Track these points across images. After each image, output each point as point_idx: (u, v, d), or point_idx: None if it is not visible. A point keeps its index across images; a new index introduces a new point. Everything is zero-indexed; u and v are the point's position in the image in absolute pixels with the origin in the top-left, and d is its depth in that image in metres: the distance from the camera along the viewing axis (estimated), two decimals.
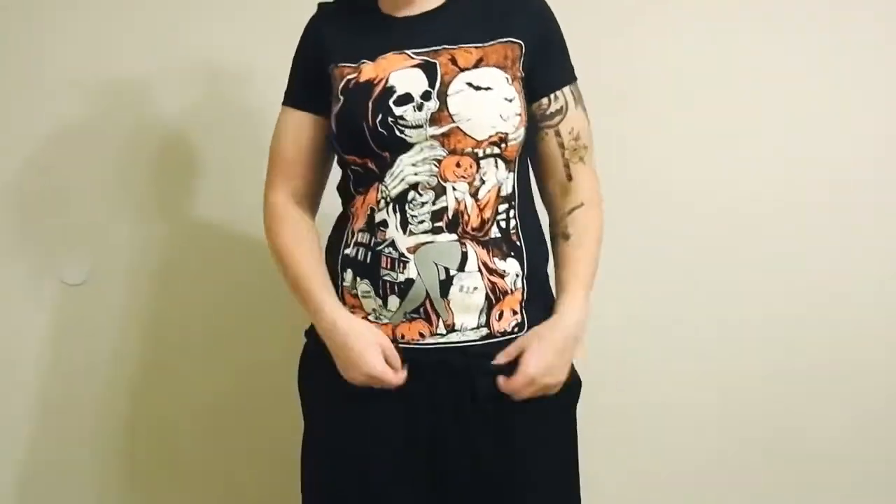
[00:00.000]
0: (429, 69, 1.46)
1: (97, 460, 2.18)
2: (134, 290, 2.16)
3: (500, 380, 1.45)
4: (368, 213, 1.49)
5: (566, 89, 1.54)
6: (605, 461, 2.11)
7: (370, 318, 1.48)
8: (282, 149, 1.58)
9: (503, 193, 1.49)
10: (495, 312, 1.47)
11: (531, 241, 1.52)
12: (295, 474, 1.60)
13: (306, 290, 1.50)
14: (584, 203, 1.53)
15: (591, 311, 1.53)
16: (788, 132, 2.11)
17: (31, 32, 2.10)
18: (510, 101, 1.47)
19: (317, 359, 1.57)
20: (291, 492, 1.64)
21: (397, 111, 1.45)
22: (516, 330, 1.48)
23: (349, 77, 1.49)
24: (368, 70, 1.48)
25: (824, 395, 2.15)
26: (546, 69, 1.52)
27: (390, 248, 1.46)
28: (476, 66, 1.47)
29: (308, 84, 1.56)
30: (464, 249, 1.45)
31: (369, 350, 1.44)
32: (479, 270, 1.46)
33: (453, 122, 1.44)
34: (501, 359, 1.46)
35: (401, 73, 1.47)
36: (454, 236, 1.46)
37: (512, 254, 1.49)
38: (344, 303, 1.50)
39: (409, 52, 1.48)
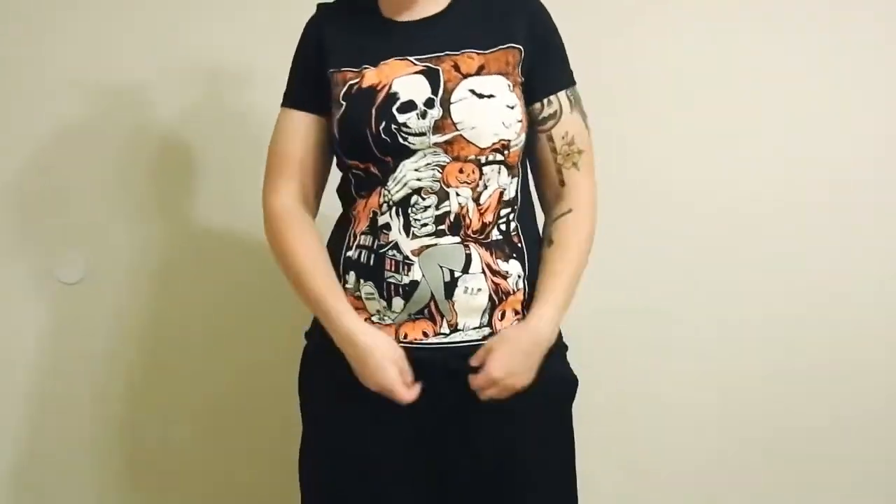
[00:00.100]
0: (431, 76, 1.46)
1: (95, 460, 2.18)
2: (131, 290, 2.16)
3: (470, 379, 1.45)
4: (371, 216, 1.49)
5: (561, 94, 1.53)
6: (603, 460, 2.12)
7: (374, 318, 1.49)
8: (283, 150, 1.57)
9: (506, 198, 1.50)
10: (497, 313, 1.48)
11: (532, 242, 1.53)
12: (295, 474, 1.60)
13: (318, 296, 1.48)
14: (573, 209, 1.53)
15: (564, 320, 1.53)
16: (788, 132, 2.11)
17: (31, 32, 2.09)
18: (512, 108, 1.47)
19: (317, 360, 1.58)
20: (291, 492, 1.65)
21: (401, 118, 1.45)
22: None
23: (351, 82, 1.49)
24: (371, 76, 1.48)
25: (824, 395, 2.15)
26: (542, 73, 1.52)
27: (394, 251, 1.46)
28: (478, 72, 1.47)
29: (308, 85, 1.55)
30: (467, 252, 1.46)
31: (384, 365, 1.44)
32: (483, 272, 1.46)
33: (457, 129, 1.45)
34: (474, 362, 1.46)
35: (404, 79, 1.47)
36: (457, 239, 1.46)
37: (514, 255, 1.50)
38: None
39: (411, 58, 1.48)
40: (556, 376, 1.55)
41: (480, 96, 1.45)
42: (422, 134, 1.44)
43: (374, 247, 1.48)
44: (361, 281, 1.48)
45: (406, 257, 1.45)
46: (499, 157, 1.47)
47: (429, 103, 1.45)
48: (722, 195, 2.12)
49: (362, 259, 1.49)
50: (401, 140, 1.45)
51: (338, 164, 1.59)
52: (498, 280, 1.47)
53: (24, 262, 2.13)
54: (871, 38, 2.09)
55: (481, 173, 1.47)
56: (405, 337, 1.48)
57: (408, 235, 1.46)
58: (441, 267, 1.45)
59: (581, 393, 1.58)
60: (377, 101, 1.46)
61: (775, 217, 2.12)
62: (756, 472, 2.18)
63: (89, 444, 2.17)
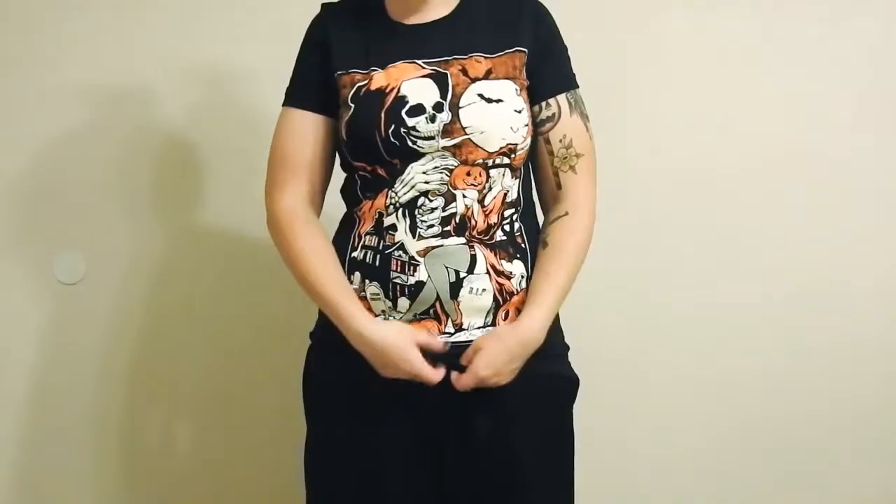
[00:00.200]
0: (440, 80, 1.47)
1: (95, 460, 2.17)
2: (131, 290, 2.15)
3: (453, 375, 1.46)
4: (376, 217, 1.50)
5: (561, 97, 1.54)
6: (603, 460, 2.12)
7: (380, 319, 1.49)
8: (286, 150, 1.56)
9: (509, 199, 1.51)
10: (501, 313, 1.49)
11: (535, 242, 1.54)
12: (296, 475, 1.60)
13: (329, 298, 1.48)
14: (569, 213, 1.53)
15: (564, 321, 1.55)
16: (787, 133, 2.13)
17: (32, 33, 2.08)
18: (519, 112, 1.49)
19: (321, 361, 1.59)
20: (292, 492, 1.66)
21: (410, 122, 1.45)
22: None
23: (359, 84, 1.49)
24: (379, 78, 1.48)
25: (825, 395, 2.16)
26: (542, 76, 1.53)
27: (400, 252, 1.47)
28: (486, 76, 1.48)
29: (313, 85, 1.55)
30: (472, 252, 1.47)
31: (405, 355, 1.43)
32: (488, 272, 1.47)
33: (466, 134, 1.46)
34: (463, 361, 1.46)
35: (412, 82, 1.47)
36: (462, 240, 1.47)
37: (518, 256, 1.51)
38: None
39: (419, 61, 1.48)
40: (557, 376, 1.56)
41: (489, 101, 1.46)
42: (431, 138, 1.45)
43: (380, 247, 1.48)
44: (367, 281, 1.49)
45: (412, 258, 1.46)
46: (505, 160, 1.48)
47: (438, 107, 1.45)
48: (723, 194, 2.13)
49: (368, 259, 1.49)
50: (410, 143, 1.45)
51: (342, 165, 1.59)
52: (502, 280, 1.48)
53: (24, 262, 2.12)
54: (872, 37, 2.12)
55: (488, 176, 1.48)
56: None
57: (414, 236, 1.47)
58: (446, 268, 1.46)
59: (581, 393, 1.59)
60: (386, 105, 1.46)
61: (776, 217, 2.13)
62: (756, 472, 2.19)
63: (89, 444, 2.17)
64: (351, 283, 1.51)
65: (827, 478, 2.19)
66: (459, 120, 1.45)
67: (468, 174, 1.47)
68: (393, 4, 1.55)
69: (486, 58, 1.49)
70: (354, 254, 1.51)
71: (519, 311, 1.50)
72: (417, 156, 1.46)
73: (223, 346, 2.17)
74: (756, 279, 2.15)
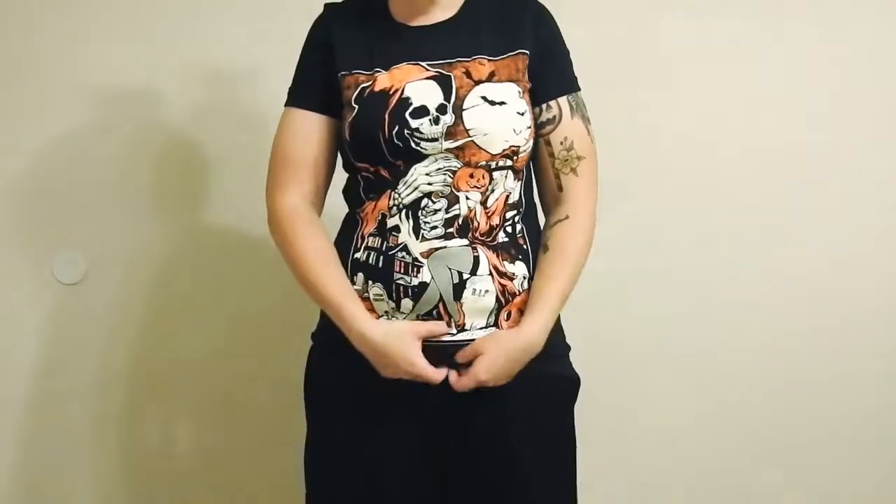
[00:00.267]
0: (443, 82, 1.47)
1: (95, 460, 2.17)
2: (131, 290, 2.15)
3: (451, 376, 1.47)
4: (379, 218, 1.50)
5: (562, 99, 1.54)
6: (603, 460, 2.12)
7: (382, 320, 1.49)
8: (288, 149, 1.55)
9: (511, 201, 1.52)
10: (504, 313, 1.50)
11: (536, 243, 1.55)
12: (296, 475, 1.60)
13: (332, 299, 1.48)
14: (570, 216, 1.53)
15: (565, 321, 1.55)
16: (788, 132, 2.13)
17: (33, 33, 2.08)
18: (522, 114, 1.49)
19: (323, 361, 1.59)
20: (291, 492, 1.66)
21: (413, 123, 1.46)
22: None
23: (363, 85, 1.49)
24: (383, 79, 1.49)
25: (825, 395, 2.17)
26: (543, 78, 1.53)
27: (403, 253, 1.47)
28: (489, 79, 1.48)
29: (315, 85, 1.55)
30: (475, 254, 1.47)
31: (411, 352, 1.44)
32: (490, 274, 1.48)
33: (469, 136, 1.46)
34: (460, 358, 1.47)
35: (416, 84, 1.47)
36: (465, 241, 1.48)
37: (520, 257, 1.52)
38: None
39: (423, 63, 1.49)
40: (559, 376, 1.57)
41: (492, 103, 1.46)
42: (434, 139, 1.45)
43: (383, 249, 1.49)
44: (370, 282, 1.49)
45: (415, 259, 1.46)
46: (508, 162, 1.49)
47: (441, 109, 1.45)
48: (723, 193, 2.13)
49: (371, 261, 1.49)
50: (413, 145, 1.45)
51: (344, 166, 1.59)
52: (504, 281, 1.49)
53: (24, 263, 2.12)
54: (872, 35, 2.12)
55: (491, 178, 1.48)
56: None
57: (417, 238, 1.47)
58: (450, 269, 1.46)
59: (581, 393, 1.60)
60: (390, 106, 1.46)
61: (776, 217, 2.14)
62: (756, 472, 2.19)
63: (89, 444, 2.16)
64: (354, 283, 1.51)
65: (827, 478, 2.19)
66: (463, 122, 1.46)
67: (471, 176, 1.47)
68: (397, 6, 1.55)
69: (489, 60, 1.49)
70: (357, 255, 1.52)
71: (521, 311, 1.50)
72: (420, 157, 1.47)
73: (223, 346, 2.17)
74: (756, 279, 2.15)
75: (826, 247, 2.15)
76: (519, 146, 1.49)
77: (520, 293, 1.50)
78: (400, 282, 1.47)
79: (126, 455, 2.18)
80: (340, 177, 1.61)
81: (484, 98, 1.47)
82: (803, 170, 2.13)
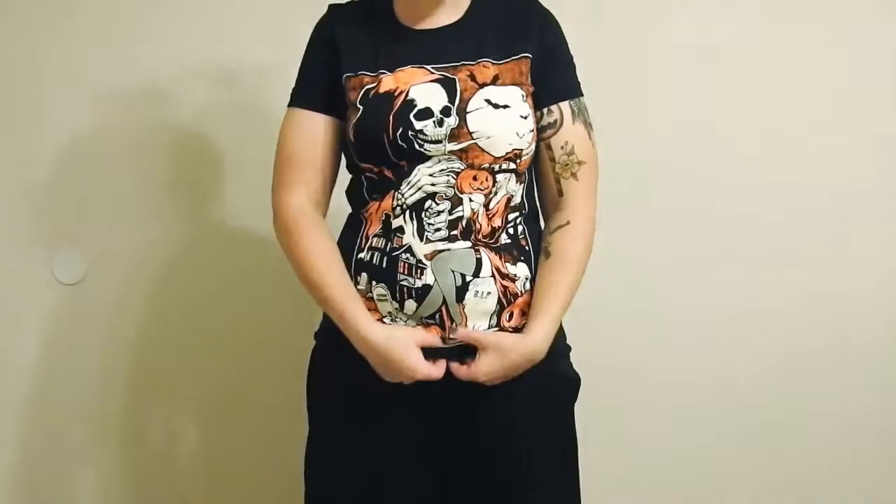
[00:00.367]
0: (448, 85, 1.48)
1: (95, 460, 2.18)
2: (131, 290, 2.15)
3: (453, 366, 1.47)
4: (384, 218, 1.50)
5: (564, 104, 1.54)
6: (603, 459, 2.11)
7: (385, 320, 1.49)
8: (293, 150, 1.55)
9: (513, 203, 1.52)
10: (506, 314, 1.50)
11: (538, 245, 1.55)
12: (297, 475, 1.61)
13: (334, 301, 1.48)
14: (571, 221, 1.54)
15: (565, 321, 1.55)
16: (788, 132, 2.13)
17: (36, 33, 2.08)
18: (525, 118, 1.49)
19: (326, 361, 1.59)
20: (292, 492, 1.66)
21: (418, 125, 1.46)
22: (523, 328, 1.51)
23: (368, 87, 1.49)
24: (388, 81, 1.49)
25: (825, 395, 2.18)
26: (545, 82, 1.53)
27: (407, 255, 1.47)
28: (493, 82, 1.48)
29: (319, 85, 1.55)
30: (478, 256, 1.48)
31: (409, 354, 1.45)
32: (493, 276, 1.48)
33: (472, 138, 1.46)
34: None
35: (420, 86, 1.48)
36: (468, 243, 1.48)
37: (522, 258, 1.52)
38: None
39: (428, 66, 1.49)
40: (560, 376, 1.58)
41: (496, 106, 1.47)
42: (438, 141, 1.46)
43: (387, 249, 1.49)
44: (374, 283, 1.49)
45: (419, 261, 1.47)
46: (511, 165, 1.49)
47: (445, 111, 1.46)
48: (723, 193, 2.14)
49: (375, 261, 1.50)
50: (417, 146, 1.46)
51: (347, 167, 1.59)
52: (507, 283, 1.49)
53: (24, 263, 2.12)
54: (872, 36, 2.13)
55: (494, 181, 1.49)
56: None
57: (421, 239, 1.47)
58: (453, 272, 1.47)
59: (582, 393, 1.60)
60: (395, 108, 1.47)
61: (776, 217, 2.14)
62: (756, 472, 2.20)
63: (89, 444, 2.17)
64: (357, 283, 1.51)
65: (827, 478, 2.20)
66: (467, 125, 1.46)
67: (475, 178, 1.48)
68: (403, 9, 1.55)
69: (493, 63, 1.50)
70: (361, 255, 1.52)
71: (523, 312, 1.51)
72: (424, 158, 1.47)
73: (224, 346, 2.17)
74: (756, 279, 2.16)
75: (826, 247, 2.15)
76: (522, 149, 1.49)
77: (522, 294, 1.51)
78: (404, 283, 1.47)
79: (126, 455, 2.18)
80: (341, 177, 1.61)
81: (488, 101, 1.47)
82: (803, 170, 2.14)
